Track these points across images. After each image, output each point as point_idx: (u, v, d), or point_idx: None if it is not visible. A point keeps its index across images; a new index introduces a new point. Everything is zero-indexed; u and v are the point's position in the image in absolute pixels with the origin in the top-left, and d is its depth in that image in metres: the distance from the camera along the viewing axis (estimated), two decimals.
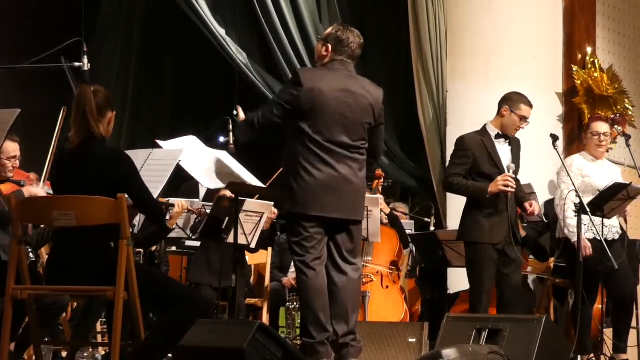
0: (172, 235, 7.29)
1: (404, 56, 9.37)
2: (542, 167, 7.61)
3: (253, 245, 7.32)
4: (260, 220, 7.19)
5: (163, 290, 4.65)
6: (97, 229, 4.48)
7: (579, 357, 6.72)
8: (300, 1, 9.32)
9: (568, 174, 6.70)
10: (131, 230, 4.60)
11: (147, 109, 11.83)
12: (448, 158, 8.28)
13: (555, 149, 6.64)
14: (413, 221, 9.11)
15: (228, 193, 6.96)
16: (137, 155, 5.24)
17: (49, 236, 5.77)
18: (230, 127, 8.66)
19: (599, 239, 6.59)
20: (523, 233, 6.93)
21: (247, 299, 7.99)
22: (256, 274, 8.66)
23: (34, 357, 4.93)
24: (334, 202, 5.25)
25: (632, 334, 7.11)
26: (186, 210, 7.02)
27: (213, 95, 12.09)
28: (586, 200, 6.62)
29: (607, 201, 6.65)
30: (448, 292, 8.13)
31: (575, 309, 6.66)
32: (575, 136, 8.26)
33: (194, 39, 10.76)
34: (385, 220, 7.99)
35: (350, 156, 5.30)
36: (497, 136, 6.44)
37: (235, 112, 5.60)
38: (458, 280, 7.94)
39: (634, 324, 7.12)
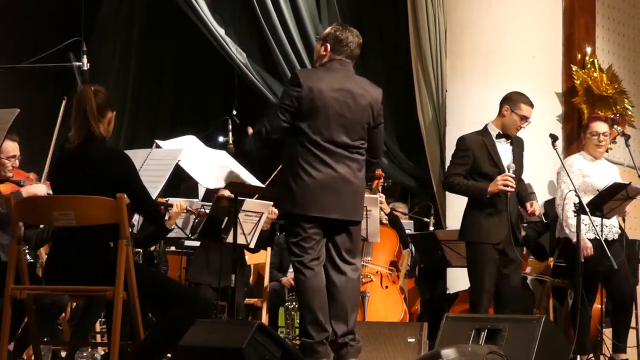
0: (171, 235, 7.29)
1: (403, 56, 9.36)
2: (541, 167, 7.61)
3: (252, 245, 7.32)
4: (259, 220, 7.18)
5: (162, 290, 4.65)
6: (97, 229, 4.48)
7: (578, 357, 6.71)
8: (300, 1, 9.32)
9: (567, 174, 6.70)
10: (130, 230, 4.61)
11: (147, 109, 11.82)
12: (447, 158, 8.29)
13: (555, 149, 6.64)
14: (412, 221, 9.11)
15: (227, 193, 6.96)
16: (137, 155, 5.24)
17: (48, 236, 5.77)
18: (230, 127, 8.71)
19: (599, 238, 6.59)
20: (522, 233, 6.93)
21: (246, 299, 7.99)
22: (255, 274, 8.66)
23: (33, 357, 4.93)
24: (333, 202, 5.25)
25: (632, 334, 7.12)
26: (185, 211, 7.02)
27: (212, 95, 12.09)
28: (587, 200, 6.62)
29: (607, 201, 6.65)
30: (447, 292, 8.13)
31: (574, 309, 6.66)
32: (574, 136, 8.26)
33: (193, 38, 10.76)
34: (385, 220, 7.99)
35: (350, 156, 5.30)
36: (498, 136, 6.45)
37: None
38: (457, 280, 7.95)
39: (633, 324, 7.13)
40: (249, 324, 5.30)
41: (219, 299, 7.46)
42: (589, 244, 6.67)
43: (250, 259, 8.10)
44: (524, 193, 6.53)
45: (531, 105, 6.48)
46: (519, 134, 6.53)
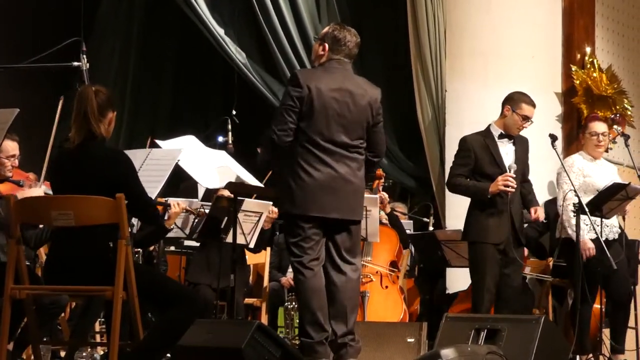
0: (170, 235, 7.28)
1: (402, 56, 9.36)
2: (540, 167, 7.60)
3: (252, 245, 7.32)
4: (259, 220, 7.18)
5: (162, 290, 4.65)
6: (96, 229, 4.48)
7: (578, 357, 6.71)
8: (299, 1, 9.32)
9: (567, 174, 6.70)
10: (130, 230, 4.60)
11: (146, 108, 11.81)
12: (447, 158, 8.32)
13: (554, 149, 6.64)
14: (412, 221, 9.11)
15: (227, 193, 6.95)
16: (136, 155, 5.24)
17: (48, 236, 5.77)
18: (229, 126, 8.71)
19: (599, 239, 6.58)
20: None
21: (246, 299, 7.99)
22: (255, 274, 8.66)
23: (32, 357, 4.94)
24: (333, 202, 5.25)
25: (632, 335, 7.12)
26: (184, 210, 7.01)
27: (212, 95, 12.08)
28: (588, 200, 6.62)
29: (606, 201, 6.65)
30: (447, 292, 8.13)
31: (574, 309, 6.66)
32: (574, 136, 8.26)
33: (193, 38, 10.76)
34: (385, 220, 7.99)
35: (349, 156, 5.30)
36: (501, 136, 6.46)
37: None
38: (457, 280, 7.95)
39: (632, 324, 7.12)
40: (249, 324, 5.30)
41: (219, 298, 7.45)
42: (591, 245, 6.66)
43: (249, 258, 8.10)
44: (529, 197, 6.54)
45: (533, 105, 6.47)
46: (521, 134, 6.54)
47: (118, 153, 4.73)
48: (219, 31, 9.49)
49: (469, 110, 8.18)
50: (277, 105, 5.74)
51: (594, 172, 6.92)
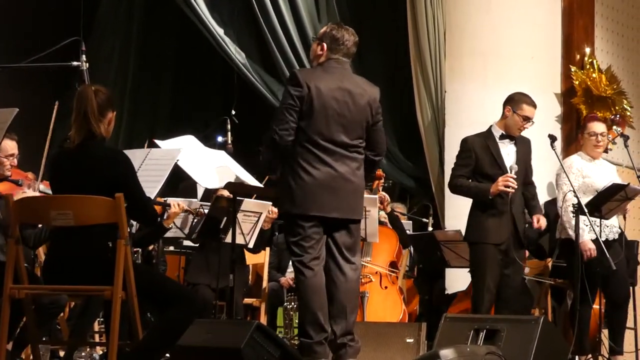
0: (169, 234, 7.28)
1: (402, 57, 9.36)
2: (540, 168, 7.60)
3: (251, 245, 7.32)
4: (258, 220, 7.18)
5: (161, 289, 4.65)
6: (95, 229, 4.48)
7: (577, 357, 6.71)
8: (299, 1, 9.32)
9: (567, 175, 6.70)
10: (129, 230, 4.60)
11: (146, 108, 11.82)
12: (446, 158, 8.32)
13: (554, 150, 6.63)
14: (411, 221, 9.11)
15: (226, 193, 6.95)
16: (135, 155, 5.23)
17: (47, 235, 5.77)
18: (229, 126, 8.70)
19: (599, 239, 6.58)
20: None
21: (245, 299, 7.99)
22: (254, 274, 8.65)
23: (31, 357, 4.93)
24: (333, 201, 5.25)
25: (631, 336, 7.11)
26: (184, 210, 7.01)
27: (211, 95, 12.09)
28: (587, 200, 6.62)
29: (605, 202, 6.65)
30: (446, 292, 8.13)
31: (573, 309, 6.66)
32: (573, 136, 8.26)
33: (192, 38, 10.76)
34: (386, 220, 7.99)
35: (349, 155, 5.31)
36: (502, 137, 6.46)
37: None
38: (456, 280, 7.95)
39: (631, 325, 7.12)
40: (248, 324, 5.30)
41: (218, 298, 7.45)
42: (592, 246, 6.66)
43: (248, 259, 8.10)
44: (533, 202, 6.54)
45: (534, 105, 6.47)
46: (521, 134, 6.54)
47: (117, 153, 4.73)
48: (219, 31, 9.49)
49: (469, 111, 8.18)
50: (277, 105, 5.73)
51: (593, 172, 6.91)
